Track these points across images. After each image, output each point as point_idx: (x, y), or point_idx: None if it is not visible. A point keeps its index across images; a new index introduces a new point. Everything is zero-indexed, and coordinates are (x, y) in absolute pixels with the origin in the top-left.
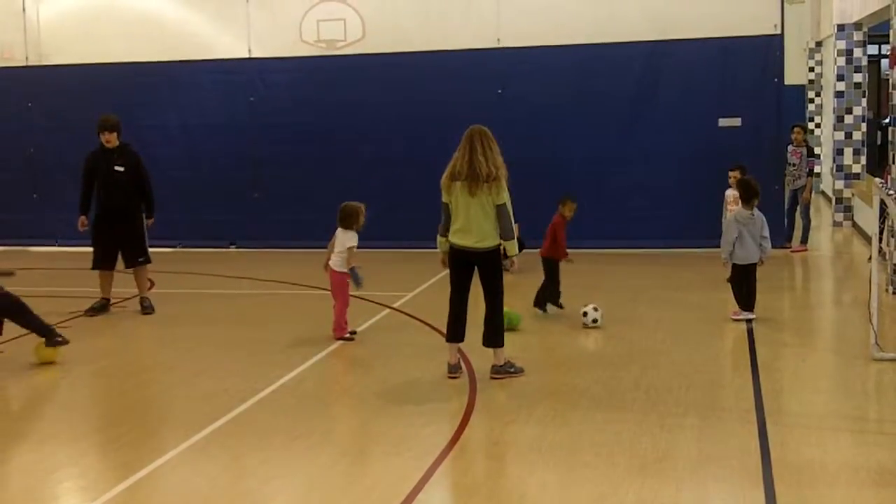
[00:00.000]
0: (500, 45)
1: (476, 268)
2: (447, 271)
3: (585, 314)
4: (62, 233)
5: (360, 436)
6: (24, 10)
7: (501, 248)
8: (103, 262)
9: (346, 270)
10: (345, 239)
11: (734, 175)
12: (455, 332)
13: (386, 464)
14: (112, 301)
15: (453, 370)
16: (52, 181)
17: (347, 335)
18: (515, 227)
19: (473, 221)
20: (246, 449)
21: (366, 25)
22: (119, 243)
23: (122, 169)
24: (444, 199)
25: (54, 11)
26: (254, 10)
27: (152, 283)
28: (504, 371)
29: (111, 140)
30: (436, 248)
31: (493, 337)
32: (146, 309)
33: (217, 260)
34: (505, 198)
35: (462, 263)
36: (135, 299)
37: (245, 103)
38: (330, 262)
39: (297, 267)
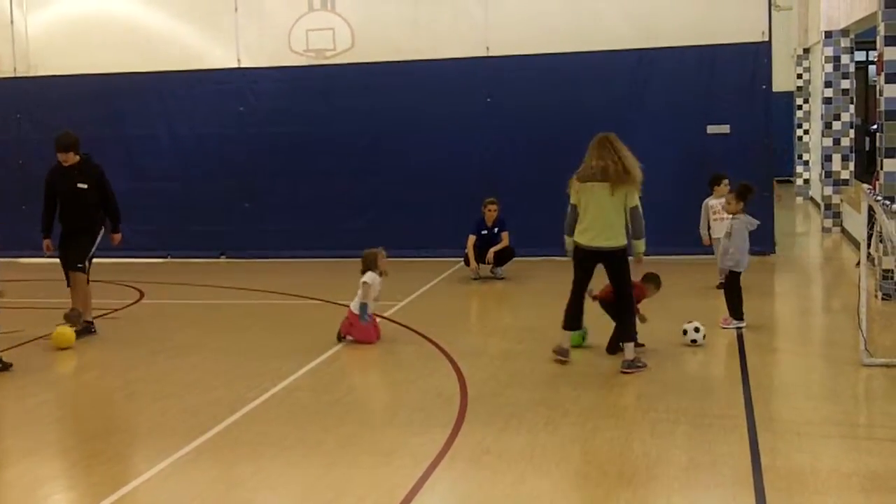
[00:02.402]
0: (489, 54)
1: (591, 264)
2: (436, 281)
3: (686, 332)
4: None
5: (351, 445)
6: (11, 21)
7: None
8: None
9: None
10: (365, 276)
11: (725, 183)
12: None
13: (377, 473)
14: (102, 313)
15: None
16: (41, 192)
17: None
18: (505, 236)
19: (606, 221)
20: (237, 459)
21: (355, 35)
22: (69, 248)
23: (85, 186)
24: (573, 200)
25: (43, 22)
26: (243, 20)
27: (142, 295)
28: (634, 366)
29: (68, 159)
30: (426, 257)
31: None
32: (69, 319)
33: (207, 270)
34: (637, 200)
35: (589, 261)
36: (125, 311)
37: (234, 113)
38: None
39: (288, 276)
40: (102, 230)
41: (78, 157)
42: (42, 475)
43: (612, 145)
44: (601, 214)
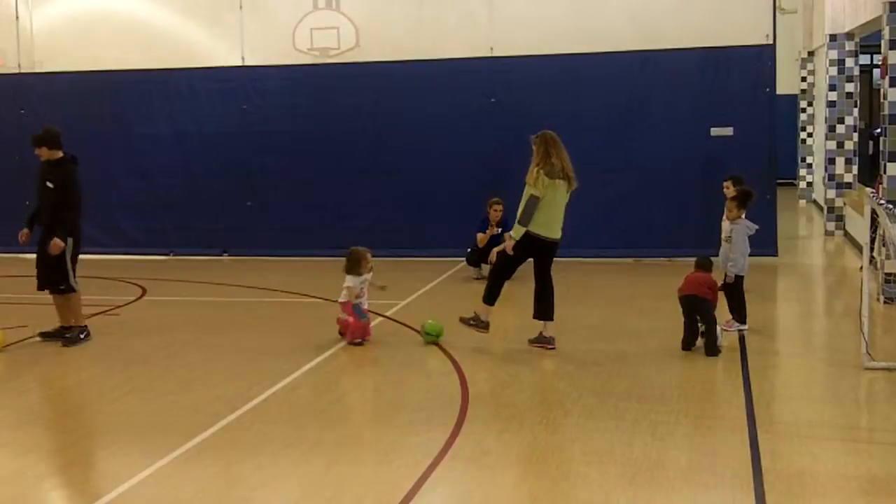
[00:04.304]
0: (493, 54)
1: (542, 254)
2: (438, 281)
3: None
4: None
5: (351, 444)
6: (17, 17)
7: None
8: (39, 283)
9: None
10: (346, 281)
11: (728, 185)
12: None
13: (377, 472)
14: (104, 310)
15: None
16: None
17: (358, 340)
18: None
19: (560, 216)
20: (238, 457)
21: (359, 34)
22: (40, 264)
23: (51, 185)
24: (539, 193)
25: (47, 19)
26: (247, 18)
27: (144, 292)
28: (542, 341)
29: (41, 154)
30: (428, 257)
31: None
32: (67, 340)
33: (210, 268)
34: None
35: (542, 251)
36: (127, 308)
37: (238, 111)
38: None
39: (290, 275)
40: (70, 241)
41: (57, 154)
42: (43, 471)
43: (561, 145)
44: (561, 209)
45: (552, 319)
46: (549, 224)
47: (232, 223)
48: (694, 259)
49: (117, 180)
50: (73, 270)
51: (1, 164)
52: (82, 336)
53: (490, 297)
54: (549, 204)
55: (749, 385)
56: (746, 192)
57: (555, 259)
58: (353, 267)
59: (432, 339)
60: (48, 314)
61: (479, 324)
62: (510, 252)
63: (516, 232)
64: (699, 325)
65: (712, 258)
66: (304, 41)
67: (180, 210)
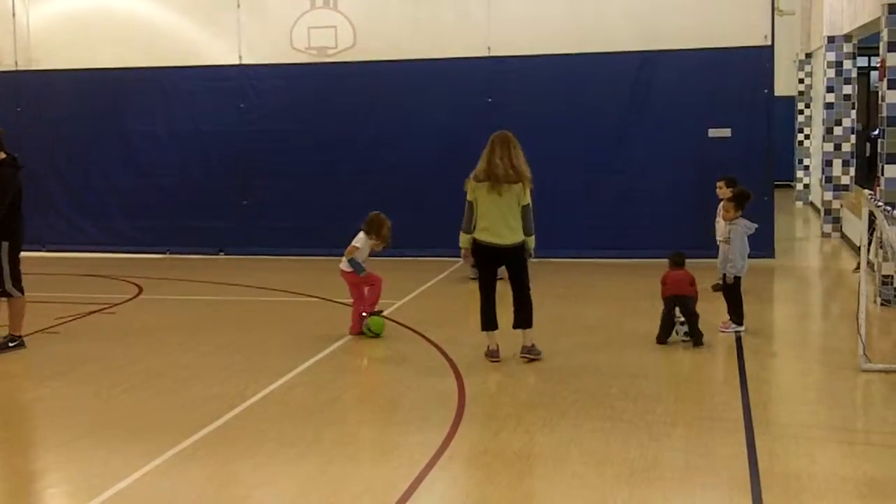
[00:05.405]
0: (491, 54)
1: (504, 262)
2: (435, 280)
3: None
4: (49, 238)
5: (348, 443)
6: (13, 14)
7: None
8: None
9: (349, 269)
10: (356, 239)
11: (721, 185)
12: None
13: (374, 472)
14: (100, 308)
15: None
16: (39, 186)
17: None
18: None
19: (501, 220)
20: (234, 455)
21: (357, 33)
22: None
23: None
24: (471, 199)
25: (44, 16)
26: (245, 17)
27: (140, 290)
28: (533, 352)
29: None
30: (425, 256)
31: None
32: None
33: (206, 267)
34: (528, 199)
35: (491, 259)
36: (123, 306)
37: (235, 110)
38: (340, 265)
39: (286, 274)
40: (6, 244)
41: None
42: (39, 469)
43: (502, 145)
44: (504, 214)
45: (531, 327)
46: (490, 230)
47: (229, 222)
48: (689, 260)
49: (114, 178)
50: (14, 275)
51: None
52: (11, 345)
53: (485, 323)
54: (485, 209)
55: (746, 386)
56: (744, 193)
57: (554, 259)
58: (373, 227)
59: (374, 335)
60: (37, 311)
61: (489, 354)
62: (465, 261)
63: (460, 239)
64: (677, 320)
65: (712, 260)
66: (302, 40)
67: (177, 209)
